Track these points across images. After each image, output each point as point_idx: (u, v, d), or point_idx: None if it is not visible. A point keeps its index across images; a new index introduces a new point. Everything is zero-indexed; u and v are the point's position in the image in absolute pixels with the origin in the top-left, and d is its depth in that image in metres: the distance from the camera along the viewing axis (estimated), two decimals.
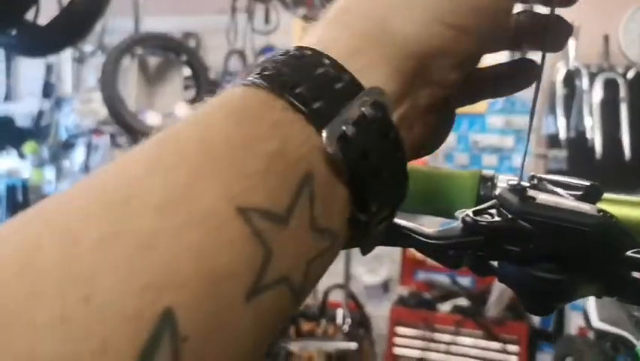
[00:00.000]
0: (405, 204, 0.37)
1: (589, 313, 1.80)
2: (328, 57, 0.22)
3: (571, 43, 2.61)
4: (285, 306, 0.20)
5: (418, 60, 0.24)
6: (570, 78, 2.63)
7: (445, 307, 2.63)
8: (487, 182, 0.36)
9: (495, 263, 0.32)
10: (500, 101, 2.76)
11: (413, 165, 0.38)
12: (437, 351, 2.57)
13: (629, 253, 0.28)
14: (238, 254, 0.18)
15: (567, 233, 0.28)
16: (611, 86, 2.60)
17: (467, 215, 0.31)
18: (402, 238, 0.32)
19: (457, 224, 0.31)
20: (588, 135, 2.58)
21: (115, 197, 0.18)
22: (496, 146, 2.76)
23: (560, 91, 2.63)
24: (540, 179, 0.33)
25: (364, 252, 0.25)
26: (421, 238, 0.31)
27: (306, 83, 0.21)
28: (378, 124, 0.22)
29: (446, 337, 2.57)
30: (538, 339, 2.59)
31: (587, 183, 0.32)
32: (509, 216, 0.29)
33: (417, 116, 0.26)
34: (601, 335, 1.82)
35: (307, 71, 0.21)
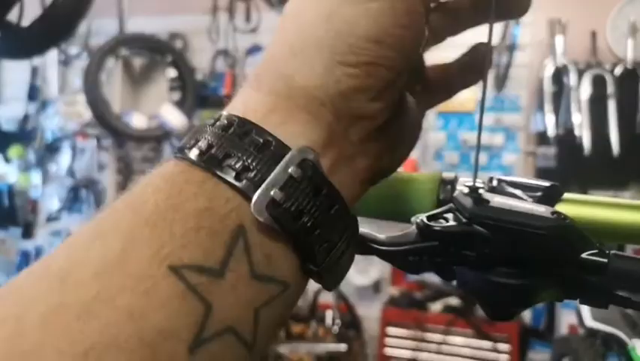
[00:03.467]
0: (363, 209, 0.36)
1: (582, 312, 1.79)
2: (254, 124, 0.23)
3: (558, 39, 2.61)
4: (235, 354, 0.21)
5: (332, 106, 0.24)
6: (558, 75, 2.63)
7: (436, 306, 2.63)
8: (447, 185, 0.35)
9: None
10: (489, 99, 2.76)
11: None
12: (428, 351, 2.56)
13: (584, 255, 0.27)
14: (175, 312, 0.19)
15: (522, 236, 0.27)
16: (598, 83, 2.60)
17: (421, 220, 0.29)
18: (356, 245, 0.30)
19: (413, 229, 0.30)
20: (577, 132, 2.58)
21: (57, 272, 0.20)
22: (486, 144, 2.75)
23: (548, 88, 2.62)
24: (499, 180, 0.32)
25: (329, 287, 0.25)
26: (374, 245, 0.30)
27: (235, 154, 0.22)
28: (308, 183, 0.22)
29: (437, 336, 2.56)
30: (529, 337, 2.59)
31: (547, 184, 0.31)
32: (464, 220, 0.28)
33: (355, 151, 0.25)
34: (591, 333, 1.82)
35: (234, 142, 0.22)
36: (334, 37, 0.23)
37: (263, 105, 0.23)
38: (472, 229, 0.28)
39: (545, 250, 0.27)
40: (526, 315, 2.61)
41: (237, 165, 0.22)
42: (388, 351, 2.61)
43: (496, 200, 0.28)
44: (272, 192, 0.21)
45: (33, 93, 3.28)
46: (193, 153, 0.22)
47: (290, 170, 0.22)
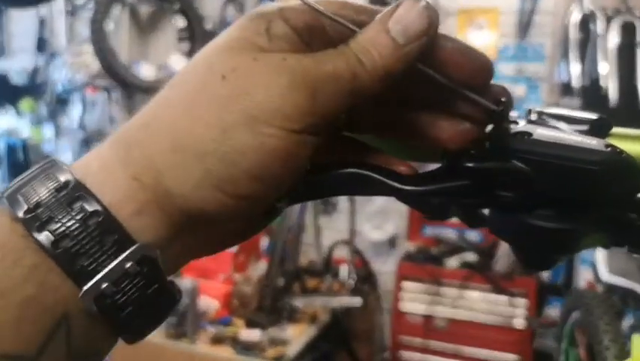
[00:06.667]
0: (387, 148, 0.32)
1: (598, 266, 1.76)
2: (105, 210, 0.22)
3: None
4: None
5: (191, 217, 0.24)
6: (585, 22, 2.51)
7: (453, 262, 2.61)
8: None
9: (487, 212, 0.27)
10: (511, 48, 2.65)
11: None
12: (444, 305, 2.56)
13: None
14: None
15: (570, 173, 0.24)
16: (628, 30, 2.48)
17: (451, 156, 0.26)
18: (373, 185, 0.27)
19: (439, 167, 0.27)
20: (603, 83, 2.48)
21: None
22: None
23: (574, 36, 2.51)
24: (540, 113, 0.28)
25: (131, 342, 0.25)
26: (396, 184, 0.26)
27: (74, 236, 0.22)
28: (142, 278, 0.23)
29: (453, 291, 2.55)
30: (546, 293, 2.57)
31: (594, 116, 0.27)
32: (501, 155, 0.25)
33: (200, 243, 0.26)
34: (610, 288, 1.79)
35: (78, 224, 0.22)
36: (219, 160, 0.23)
37: (123, 189, 0.23)
38: (511, 165, 0.24)
39: (597, 189, 0.24)
40: (544, 271, 2.58)
41: (74, 250, 0.22)
42: (404, 306, 2.61)
43: (539, 132, 0.24)
44: (103, 286, 0.22)
45: (41, 45, 3.23)
46: (32, 223, 0.22)
47: (127, 266, 0.22)
